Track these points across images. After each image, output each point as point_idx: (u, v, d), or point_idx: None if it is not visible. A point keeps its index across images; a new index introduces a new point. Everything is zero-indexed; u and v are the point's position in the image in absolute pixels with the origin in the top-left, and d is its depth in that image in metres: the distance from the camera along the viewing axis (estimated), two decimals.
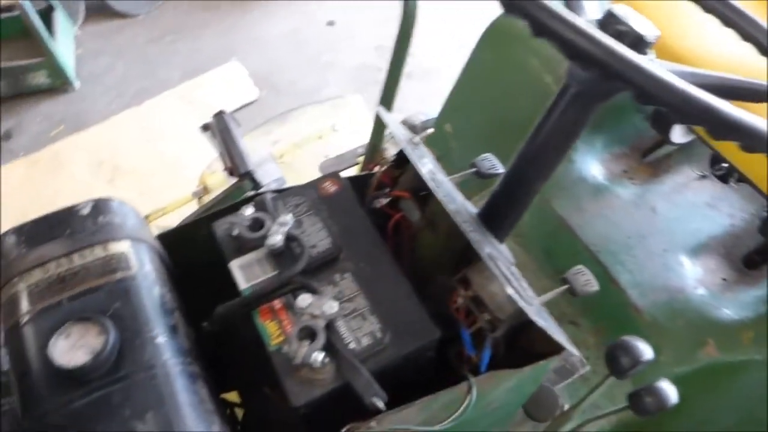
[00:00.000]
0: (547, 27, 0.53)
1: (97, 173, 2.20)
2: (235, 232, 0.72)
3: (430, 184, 0.70)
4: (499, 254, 0.76)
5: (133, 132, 2.30)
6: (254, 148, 1.83)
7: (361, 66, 2.45)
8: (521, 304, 0.64)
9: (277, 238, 0.70)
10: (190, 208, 1.86)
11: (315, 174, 1.74)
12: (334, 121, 1.83)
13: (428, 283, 0.80)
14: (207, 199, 1.76)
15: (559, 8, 0.56)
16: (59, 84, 2.45)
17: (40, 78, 2.42)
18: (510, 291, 0.63)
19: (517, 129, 1.34)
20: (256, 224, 0.73)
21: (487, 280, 0.68)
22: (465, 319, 0.74)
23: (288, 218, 0.72)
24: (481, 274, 0.69)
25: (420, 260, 0.79)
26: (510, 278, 0.67)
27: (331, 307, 0.65)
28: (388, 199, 0.81)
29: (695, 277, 1.11)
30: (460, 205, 0.78)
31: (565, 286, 0.78)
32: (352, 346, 0.66)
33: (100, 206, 0.73)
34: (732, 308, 1.06)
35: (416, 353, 0.68)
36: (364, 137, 1.86)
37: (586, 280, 0.79)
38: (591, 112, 0.69)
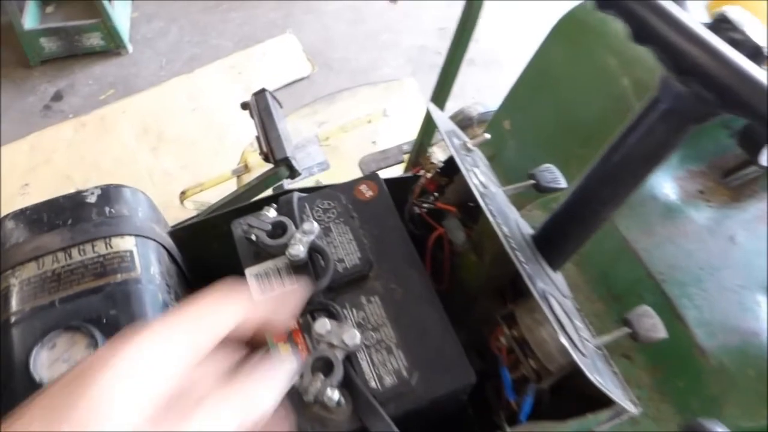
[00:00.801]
0: (654, 32, 0.42)
1: (141, 140, 2.16)
2: (254, 236, 0.64)
3: (481, 202, 0.60)
4: (553, 289, 0.66)
5: (180, 100, 2.25)
6: (299, 129, 1.75)
7: (421, 48, 2.33)
8: (575, 357, 0.54)
9: (299, 249, 0.62)
10: (229, 186, 1.80)
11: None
12: (385, 105, 1.73)
13: (468, 309, 0.70)
14: (247, 178, 1.69)
15: (672, 8, 0.45)
16: (113, 47, 2.42)
17: (95, 40, 2.39)
18: (564, 341, 0.53)
19: (585, 134, 1.23)
20: (278, 229, 0.64)
21: (537, 324, 0.58)
22: (506, 356, 0.65)
23: (314, 227, 0.63)
24: (530, 315, 0.58)
25: (460, 282, 0.69)
26: (564, 322, 0.57)
27: (353, 337, 0.56)
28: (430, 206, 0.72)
29: None
30: (513, 226, 0.67)
31: (627, 330, 0.68)
32: (372, 384, 0.57)
33: (109, 194, 0.66)
34: None
35: (447, 397, 0.58)
36: (415, 127, 1.76)
37: (651, 324, 0.68)
38: (685, 135, 0.57)
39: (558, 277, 0.71)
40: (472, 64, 2.28)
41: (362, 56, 2.35)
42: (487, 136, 0.68)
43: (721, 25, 0.52)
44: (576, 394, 0.64)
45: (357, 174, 1.61)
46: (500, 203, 0.70)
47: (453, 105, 2.26)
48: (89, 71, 2.40)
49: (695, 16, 0.58)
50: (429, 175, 0.68)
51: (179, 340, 0.32)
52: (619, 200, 0.64)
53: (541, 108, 1.28)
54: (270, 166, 1.13)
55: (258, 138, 1.08)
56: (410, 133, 1.73)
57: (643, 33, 0.46)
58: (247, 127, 2.09)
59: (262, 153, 1.07)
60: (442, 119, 0.68)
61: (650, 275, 1.02)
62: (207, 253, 0.73)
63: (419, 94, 1.79)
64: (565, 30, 1.22)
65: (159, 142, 2.15)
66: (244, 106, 1.13)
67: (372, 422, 0.55)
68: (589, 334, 0.68)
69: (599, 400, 0.62)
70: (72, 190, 2.11)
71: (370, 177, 0.70)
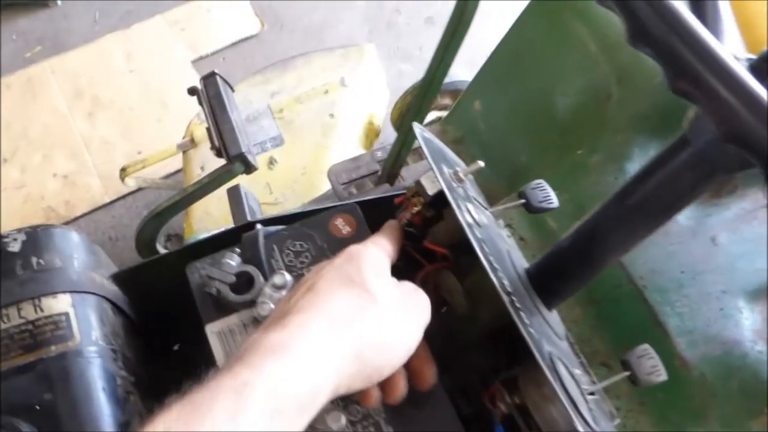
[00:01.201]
0: (701, 83, 0.34)
1: (74, 105, 1.97)
2: (214, 290, 0.55)
3: (481, 255, 0.52)
4: (551, 336, 0.60)
5: (117, 60, 2.06)
6: (249, 99, 1.62)
7: (379, 6, 2.18)
8: None
9: (269, 309, 0.53)
10: (174, 162, 1.67)
11: (317, 137, 1.54)
12: (343, 74, 1.61)
13: (456, 355, 0.63)
14: (194, 153, 1.57)
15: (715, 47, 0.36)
16: None
17: None
18: (579, 426, 0.47)
19: (563, 123, 1.15)
20: (243, 282, 0.55)
21: (546, 401, 0.51)
22: (500, 414, 0.58)
23: (286, 280, 0.54)
24: (538, 390, 0.52)
25: (448, 327, 0.62)
26: (575, 396, 0.51)
27: (336, 420, 0.49)
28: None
29: (754, 327, 0.95)
30: (508, 263, 0.60)
31: (626, 373, 0.63)
32: None
33: (36, 239, 0.55)
34: None
35: None
36: (375, 99, 1.65)
37: (652, 366, 0.63)
38: (714, 183, 0.50)
39: (553, 317, 0.65)
40: (432, 24, 2.17)
41: (315, 14, 2.20)
42: (481, 164, 0.60)
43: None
44: None
45: (313, 153, 1.50)
46: (493, 237, 0.62)
47: (411, 69, 2.15)
48: (12, 25, 2.17)
49: (732, 48, 0.50)
50: (414, 211, 0.59)
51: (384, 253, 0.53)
52: (629, 246, 0.58)
53: (515, 91, 1.20)
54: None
55: (209, 130, 0.97)
56: (370, 105, 1.63)
57: (681, 83, 0.38)
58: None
59: (213, 147, 0.96)
60: (432, 146, 0.59)
61: (631, 280, 0.98)
62: (158, 290, 0.63)
63: (379, 62, 1.67)
64: (543, 7, 1.13)
65: (94, 106, 1.97)
66: (192, 91, 1.00)
67: None
68: (587, 380, 0.62)
69: None
70: None
71: (347, 210, 0.61)
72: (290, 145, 1.53)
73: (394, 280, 0.51)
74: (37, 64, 2.04)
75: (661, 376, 0.63)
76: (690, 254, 1.00)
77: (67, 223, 1.81)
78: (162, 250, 1.15)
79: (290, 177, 1.46)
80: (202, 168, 1.49)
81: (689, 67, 0.33)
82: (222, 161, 1.00)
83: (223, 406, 0.35)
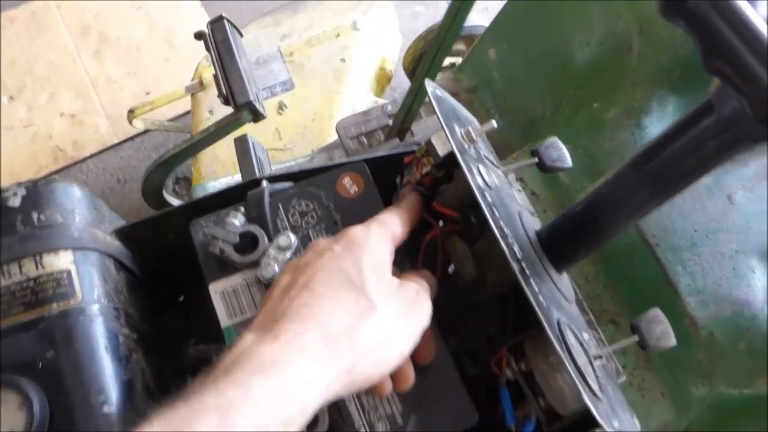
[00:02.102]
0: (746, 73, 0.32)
1: (80, 42, 1.93)
2: (218, 250, 0.54)
3: (491, 220, 0.51)
4: (561, 300, 0.58)
5: None
6: (259, 42, 1.58)
7: None
8: (595, 412, 0.47)
9: (273, 270, 0.52)
10: (183, 104, 1.64)
11: (328, 82, 1.51)
12: (355, 18, 1.56)
13: (462, 318, 0.63)
14: (202, 96, 1.54)
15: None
16: None
17: None
18: (587, 399, 0.46)
19: (580, 75, 1.11)
20: (247, 242, 0.54)
21: (553, 370, 0.51)
22: (505, 379, 0.58)
23: (291, 241, 0.53)
24: (545, 359, 0.51)
25: (455, 290, 0.61)
26: (582, 365, 0.50)
27: None
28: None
29: (765, 288, 0.94)
30: (518, 226, 0.58)
31: (635, 338, 0.62)
32: None
33: (36, 194, 0.54)
34: None
35: None
36: (387, 45, 1.60)
37: (661, 331, 0.62)
38: (737, 153, 0.48)
39: (562, 280, 0.63)
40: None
41: None
42: (494, 124, 0.57)
43: None
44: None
45: (324, 98, 1.47)
46: (504, 198, 0.61)
47: (425, 10, 2.09)
48: None
49: None
50: (425, 169, 0.57)
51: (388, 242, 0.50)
52: (645, 212, 0.56)
53: (532, 41, 1.16)
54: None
55: (216, 77, 0.94)
56: (381, 50, 1.58)
57: (718, 62, 0.35)
58: (201, 27, 1.89)
59: (220, 95, 0.93)
60: (443, 106, 0.57)
61: (643, 238, 0.96)
62: (163, 245, 0.62)
63: (392, 5, 1.61)
64: None
65: (101, 44, 1.93)
66: (199, 36, 0.97)
67: None
68: (595, 344, 0.61)
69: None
70: (4, 99, 1.89)
71: (355, 168, 0.60)
72: (300, 90, 1.49)
73: (396, 280, 0.49)
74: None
75: (671, 341, 0.61)
76: (705, 212, 0.98)
77: (75, 163, 1.80)
78: (169, 198, 1.14)
79: (300, 122, 1.44)
80: (211, 112, 1.47)
81: (729, 47, 0.30)
82: (230, 108, 0.98)
83: (205, 425, 0.34)
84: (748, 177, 1.01)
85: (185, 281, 0.70)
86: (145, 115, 1.57)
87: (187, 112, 1.77)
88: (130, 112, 1.54)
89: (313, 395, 0.39)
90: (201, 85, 1.53)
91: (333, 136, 1.42)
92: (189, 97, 1.56)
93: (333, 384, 0.41)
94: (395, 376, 0.48)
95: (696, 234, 0.97)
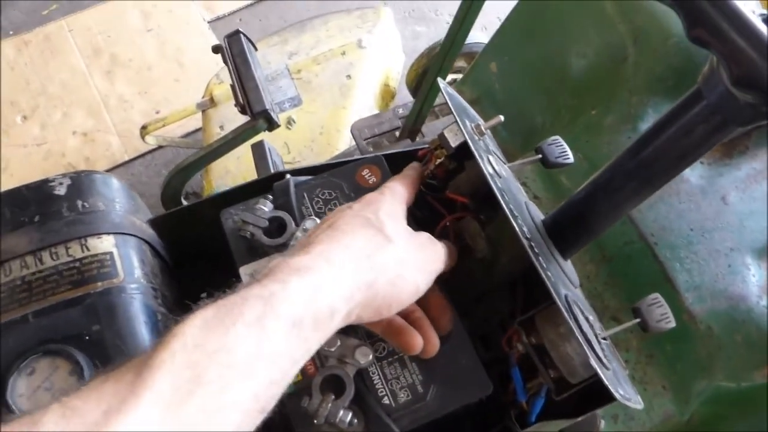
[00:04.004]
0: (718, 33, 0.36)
1: (92, 63, 1.99)
2: (248, 233, 0.58)
3: (502, 201, 0.55)
4: (567, 284, 0.62)
5: (133, 19, 2.07)
6: (267, 59, 1.63)
7: None
8: (603, 376, 0.51)
9: None
10: (194, 121, 1.69)
11: (335, 98, 1.56)
12: (360, 36, 1.61)
13: (475, 301, 0.67)
14: (213, 113, 1.59)
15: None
16: None
17: None
18: (594, 364, 0.50)
19: (577, 84, 1.17)
20: (276, 227, 0.58)
21: (562, 339, 0.54)
22: (517, 354, 0.62)
23: (316, 224, 0.57)
24: (554, 329, 0.55)
25: (468, 274, 0.65)
26: (589, 335, 0.54)
27: (365, 354, 0.52)
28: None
29: (760, 283, 0.98)
30: (525, 215, 0.63)
31: (636, 320, 0.65)
32: (386, 401, 0.53)
33: (80, 184, 0.58)
34: None
35: (462, 409, 0.56)
36: (392, 61, 1.66)
37: (662, 314, 0.65)
38: (727, 135, 0.52)
39: (568, 265, 0.68)
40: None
41: None
42: (501, 118, 0.62)
43: None
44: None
45: (330, 113, 1.52)
46: (512, 188, 0.65)
47: (426, 30, 2.15)
48: None
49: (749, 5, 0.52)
50: (437, 162, 0.62)
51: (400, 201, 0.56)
52: (643, 196, 0.60)
53: (531, 52, 1.21)
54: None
55: (233, 87, 0.99)
56: (386, 67, 1.64)
57: (699, 31, 0.40)
58: (208, 52, 1.94)
59: (237, 104, 0.98)
60: (455, 101, 0.61)
61: (642, 237, 1.00)
62: (190, 237, 0.66)
63: (396, 24, 1.68)
64: None
65: (113, 65, 1.99)
66: (216, 49, 1.02)
67: None
68: (599, 326, 0.65)
69: (604, 395, 0.61)
70: (18, 118, 1.94)
71: (373, 161, 0.64)
72: (308, 106, 1.55)
73: (410, 229, 0.54)
74: (54, 22, 2.06)
75: (671, 323, 0.65)
76: (700, 212, 1.02)
77: None
78: (186, 204, 1.18)
79: (308, 136, 1.49)
80: (221, 127, 1.52)
81: (706, 15, 0.35)
82: (242, 120, 1.02)
83: (252, 309, 0.39)
84: (740, 179, 1.06)
85: (209, 276, 0.74)
86: (157, 131, 1.62)
87: (197, 130, 1.82)
88: (143, 128, 1.59)
89: (339, 300, 0.44)
90: (212, 102, 1.59)
91: (340, 149, 1.47)
92: (200, 114, 1.61)
93: (356, 293, 0.45)
94: (424, 340, 0.52)
95: (692, 233, 1.01)
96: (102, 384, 0.34)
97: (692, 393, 0.96)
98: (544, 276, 0.53)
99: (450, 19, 2.14)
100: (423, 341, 0.52)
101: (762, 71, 0.36)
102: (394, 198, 0.55)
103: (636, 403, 0.59)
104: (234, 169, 1.46)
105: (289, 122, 1.52)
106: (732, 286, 0.97)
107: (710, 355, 0.94)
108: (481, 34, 1.65)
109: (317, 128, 1.50)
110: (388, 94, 1.66)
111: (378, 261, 0.48)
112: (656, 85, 1.07)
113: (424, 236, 0.55)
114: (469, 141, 0.57)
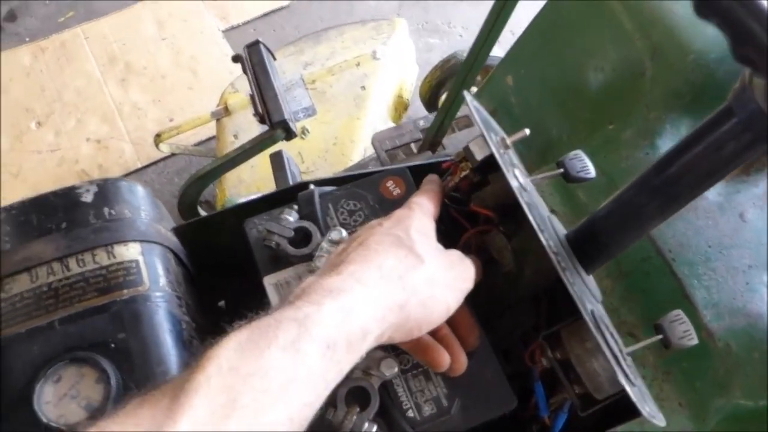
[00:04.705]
0: None
1: (107, 70, 2.01)
2: (273, 243, 0.58)
3: (530, 215, 0.55)
4: (591, 299, 0.62)
5: (148, 27, 2.09)
6: (283, 69, 1.64)
7: None
8: (631, 393, 0.51)
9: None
10: (205, 131, 1.70)
11: (349, 109, 1.57)
12: (375, 48, 1.62)
13: (498, 315, 0.66)
14: (227, 122, 1.60)
15: None
16: None
17: None
18: (623, 381, 0.50)
19: (594, 99, 1.17)
20: (301, 237, 0.58)
21: (589, 355, 0.54)
22: (540, 368, 0.61)
23: (343, 235, 0.57)
24: (581, 345, 0.55)
25: (491, 287, 0.65)
26: (616, 352, 0.53)
27: (391, 366, 0.52)
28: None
29: None
30: (549, 229, 0.62)
31: (659, 337, 0.65)
32: (410, 414, 0.53)
33: (106, 191, 0.58)
34: None
35: (486, 423, 0.55)
36: (406, 73, 1.67)
37: (684, 331, 0.65)
38: (757, 153, 0.52)
39: (590, 280, 0.67)
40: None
41: None
42: (527, 131, 0.62)
43: None
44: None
45: (345, 124, 1.53)
46: (536, 202, 0.65)
47: (440, 43, 2.16)
48: None
49: None
50: (463, 174, 0.62)
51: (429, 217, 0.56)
52: (667, 214, 0.60)
53: (548, 66, 1.21)
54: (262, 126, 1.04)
55: (252, 97, 0.99)
56: (399, 79, 1.64)
57: (747, 50, 0.40)
58: (223, 61, 1.96)
59: (256, 114, 0.99)
60: (481, 114, 0.61)
61: (660, 253, 1.00)
62: (213, 246, 0.66)
63: (409, 36, 1.68)
64: None
65: (127, 73, 2.00)
66: (236, 59, 1.03)
67: None
68: (621, 344, 0.65)
69: (626, 410, 0.60)
70: (33, 124, 1.96)
71: (397, 172, 0.64)
72: (322, 116, 1.55)
73: (441, 246, 0.54)
74: (70, 30, 2.08)
75: (693, 340, 0.65)
76: (718, 229, 1.02)
77: None
78: (202, 213, 1.19)
79: (322, 147, 1.49)
80: (236, 136, 1.53)
81: (755, 35, 0.35)
82: (256, 129, 1.03)
83: (287, 333, 0.39)
84: (758, 195, 1.05)
85: (228, 285, 0.74)
86: (171, 139, 1.63)
87: (210, 138, 1.83)
88: (157, 136, 1.59)
89: (371, 321, 0.44)
90: (226, 111, 1.59)
91: (354, 160, 1.47)
92: (213, 123, 1.61)
93: (388, 315, 0.45)
94: (451, 359, 0.52)
95: (710, 250, 1.01)
96: (138, 408, 0.34)
97: (710, 411, 0.95)
98: (571, 291, 0.52)
99: (463, 32, 2.16)
100: (450, 359, 0.52)
101: None
102: (423, 214, 0.54)
103: (660, 420, 0.59)
104: (248, 178, 1.46)
105: (303, 132, 1.52)
106: (750, 303, 0.97)
107: (728, 373, 0.93)
108: (495, 47, 1.65)
109: (331, 138, 1.51)
110: (401, 106, 1.66)
111: (410, 282, 0.47)
112: (674, 101, 1.07)
113: (455, 254, 0.54)
114: (497, 154, 0.57)
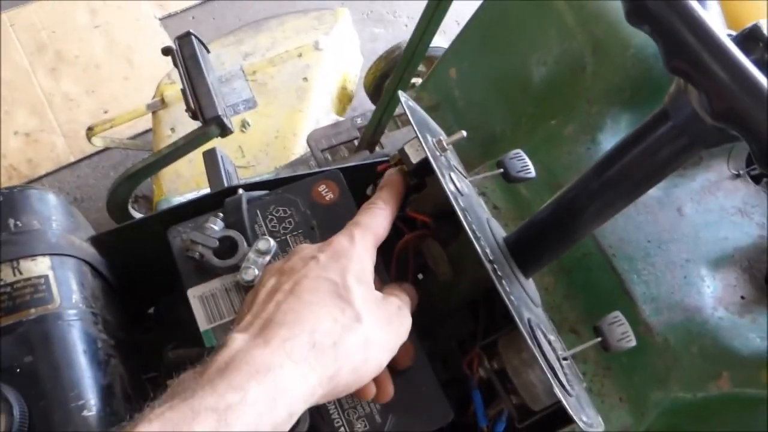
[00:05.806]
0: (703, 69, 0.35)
1: (36, 59, 1.91)
2: (197, 254, 0.54)
3: (464, 222, 0.53)
4: (529, 304, 0.61)
5: (80, 15, 1.99)
6: (222, 60, 1.59)
7: None
8: (566, 404, 0.49)
9: (253, 273, 0.53)
10: (142, 123, 1.63)
11: (291, 101, 1.53)
12: (317, 38, 1.58)
13: (435, 323, 0.65)
14: (164, 114, 1.54)
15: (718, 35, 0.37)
16: None
17: None
18: (558, 392, 0.49)
19: (537, 93, 1.16)
20: (226, 246, 0.55)
21: (525, 366, 0.53)
22: (478, 378, 0.60)
23: (270, 245, 0.54)
24: (517, 355, 0.53)
25: (427, 295, 0.63)
26: (552, 361, 0.52)
27: None
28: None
29: (714, 294, 0.98)
30: (487, 232, 0.61)
31: (597, 339, 0.65)
32: None
33: (13, 201, 0.54)
34: (750, 335, 0.94)
35: None
36: (349, 64, 1.64)
37: (623, 333, 0.65)
38: (693, 156, 0.52)
39: (530, 285, 0.66)
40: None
41: None
42: (464, 133, 0.60)
43: (755, 36, 0.45)
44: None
45: (286, 116, 1.49)
46: (474, 205, 0.63)
47: (384, 33, 2.13)
48: None
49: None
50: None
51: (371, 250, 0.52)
52: (606, 217, 0.59)
53: (491, 60, 1.20)
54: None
55: (183, 92, 0.95)
56: (343, 70, 1.61)
57: (679, 62, 0.38)
58: (160, 51, 1.88)
59: (189, 109, 0.94)
60: (416, 116, 0.59)
61: (600, 249, 1.00)
62: (138, 254, 0.62)
63: (353, 26, 1.65)
64: None
65: (58, 62, 1.91)
66: (166, 51, 0.98)
67: None
68: (561, 346, 0.64)
69: (566, 418, 0.60)
70: None
71: (330, 176, 0.61)
72: (263, 108, 1.51)
73: (379, 294, 0.51)
74: None
75: (631, 342, 0.65)
76: (657, 224, 1.03)
77: (30, 182, 1.77)
78: (134, 212, 1.13)
79: (263, 140, 1.45)
80: (173, 129, 1.47)
81: (688, 47, 0.34)
82: (195, 123, 0.98)
83: (203, 425, 0.36)
84: (695, 190, 1.07)
85: (156, 293, 0.70)
86: (105, 133, 1.56)
87: (147, 131, 1.76)
88: (89, 129, 1.52)
89: (299, 401, 0.41)
90: (163, 103, 1.53)
91: (296, 154, 1.43)
92: (150, 115, 1.55)
93: (317, 389, 0.42)
94: (377, 388, 0.50)
95: (649, 245, 1.01)
96: None
97: (649, 405, 0.96)
98: (507, 301, 0.51)
99: (408, 21, 2.14)
100: (375, 390, 0.50)
101: (744, 107, 0.35)
102: (365, 248, 0.51)
103: (598, 426, 0.58)
104: (186, 173, 1.41)
105: (244, 125, 1.48)
106: (687, 297, 0.98)
107: (667, 367, 0.95)
108: (439, 38, 1.63)
109: (273, 132, 1.46)
110: (345, 97, 1.63)
111: (343, 349, 0.44)
112: (614, 95, 1.07)
113: (393, 306, 0.51)
114: (431, 159, 0.54)
